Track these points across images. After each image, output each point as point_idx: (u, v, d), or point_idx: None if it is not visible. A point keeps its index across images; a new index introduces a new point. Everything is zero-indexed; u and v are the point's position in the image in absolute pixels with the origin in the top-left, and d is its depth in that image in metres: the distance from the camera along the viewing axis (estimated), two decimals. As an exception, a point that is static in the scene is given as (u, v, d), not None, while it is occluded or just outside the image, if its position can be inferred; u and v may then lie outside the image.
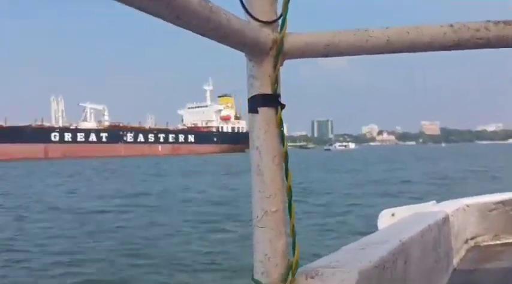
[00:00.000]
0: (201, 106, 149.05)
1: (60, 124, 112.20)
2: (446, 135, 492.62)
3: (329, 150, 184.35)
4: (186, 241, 14.44)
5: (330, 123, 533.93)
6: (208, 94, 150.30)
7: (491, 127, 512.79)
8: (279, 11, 1.43)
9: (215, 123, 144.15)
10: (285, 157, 1.44)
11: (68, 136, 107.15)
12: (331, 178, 37.63)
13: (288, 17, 1.42)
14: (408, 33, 1.40)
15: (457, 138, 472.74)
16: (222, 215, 19.11)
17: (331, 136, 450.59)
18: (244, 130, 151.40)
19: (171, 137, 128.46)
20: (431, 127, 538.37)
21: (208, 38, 1.18)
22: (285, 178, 1.44)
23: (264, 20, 1.37)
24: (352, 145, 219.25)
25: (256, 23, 1.36)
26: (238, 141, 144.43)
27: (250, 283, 1.42)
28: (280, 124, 1.42)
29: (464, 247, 4.26)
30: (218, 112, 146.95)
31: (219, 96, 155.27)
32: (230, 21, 1.18)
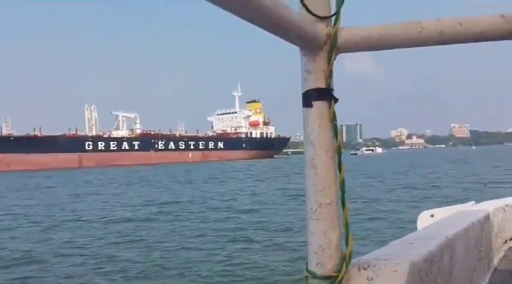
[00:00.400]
0: (230, 113, 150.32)
1: (94, 133, 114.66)
2: (476, 138, 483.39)
3: (355, 154, 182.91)
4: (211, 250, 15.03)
5: (358, 127, 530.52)
6: (237, 100, 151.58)
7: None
8: (333, 7, 1.45)
9: (244, 129, 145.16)
10: (338, 151, 1.46)
11: (101, 145, 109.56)
12: (358, 183, 37.93)
13: (341, 12, 1.45)
14: (461, 24, 1.41)
15: (487, 140, 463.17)
16: (248, 223, 19.78)
17: (360, 140, 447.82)
18: (273, 136, 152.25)
19: (201, 144, 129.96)
20: (461, 129, 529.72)
21: (265, 29, 1.18)
22: (338, 172, 1.46)
23: (319, 14, 1.40)
24: (379, 150, 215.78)
25: (312, 18, 1.38)
26: (267, 146, 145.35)
27: (304, 273, 1.47)
28: (333, 118, 1.44)
29: (504, 247, 4.23)
30: (247, 118, 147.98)
31: (248, 102, 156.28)
32: (288, 15, 1.19)
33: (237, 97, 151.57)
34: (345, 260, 1.44)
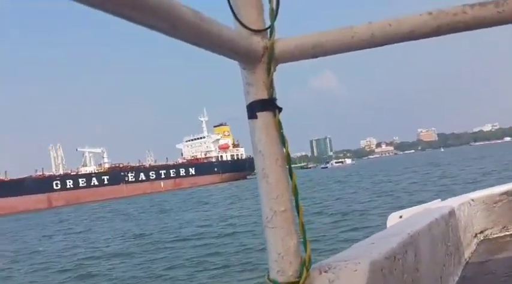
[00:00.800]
0: (198, 138, 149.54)
1: (61, 172, 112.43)
2: (444, 140, 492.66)
3: (326, 167, 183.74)
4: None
5: (328, 140, 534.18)
6: (204, 125, 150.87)
7: (487, 127, 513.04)
8: (266, 20, 1.48)
9: (214, 153, 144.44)
10: (288, 159, 1.48)
11: (69, 183, 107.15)
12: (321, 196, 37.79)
13: (275, 24, 1.48)
14: (390, 25, 1.43)
15: (454, 142, 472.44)
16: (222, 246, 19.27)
17: (330, 153, 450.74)
18: (244, 157, 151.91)
19: (172, 172, 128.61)
20: (428, 134, 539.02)
21: (202, 48, 1.21)
22: (289, 179, 1.47)
23: (254, 28, 1.43)
24: (348, 161, 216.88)
25: (247, 32, 1.40)
26: (239, 168, 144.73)
27: (266, 282, 1.45)
28: (279, 127, 1.46)
29: (474, 241, 4.26)
30: (216, 142, 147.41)
31: (215, 126, 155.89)
32: (222, 32, 1.23)
33: (204, 122, 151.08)
34: (305, 265, 1.45)
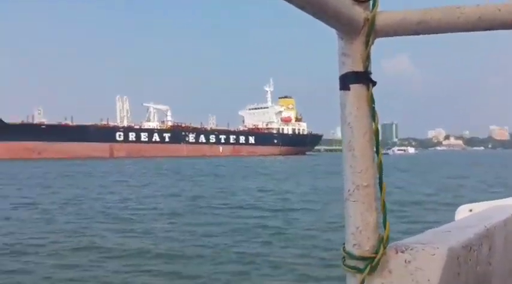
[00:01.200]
0: (261, 108, 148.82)
1: (125, 124, 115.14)
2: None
3: (387, 154, 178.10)
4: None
5: (394, 126, 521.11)
6: (269, 95, 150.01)
7: None
8: None
9: (276, 125, 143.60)
10: (376, 134, 1.49)
11: (132, 136, 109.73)
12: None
13: None
14: (499, 10, 1.40)
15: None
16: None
17: (395, 140, 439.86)
18: (305, 133, 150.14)
19: (231, 138, 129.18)
20: (501, 132, 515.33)
21: (306, 11, 1.23)
22: (375, 154, 1.48)
23: None
24: (411, 150, 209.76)
25: (349, 1, 1.40)
26: (299, 143, 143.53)
27: (342, 254, 1.47)
28: (371, 101, 1.46)
29: None
30: (279, 114, 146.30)
31: (280, 98, 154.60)
32: None
33: (269, 92, 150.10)
34: (382, 242, 1.46)
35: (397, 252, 1.51)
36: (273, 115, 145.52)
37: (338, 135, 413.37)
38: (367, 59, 1.46)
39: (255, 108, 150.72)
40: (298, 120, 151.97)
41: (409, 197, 24.58)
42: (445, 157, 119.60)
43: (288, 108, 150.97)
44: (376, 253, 1.45)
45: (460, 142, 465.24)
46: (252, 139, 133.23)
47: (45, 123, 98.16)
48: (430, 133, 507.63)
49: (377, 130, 1.49)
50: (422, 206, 21.64)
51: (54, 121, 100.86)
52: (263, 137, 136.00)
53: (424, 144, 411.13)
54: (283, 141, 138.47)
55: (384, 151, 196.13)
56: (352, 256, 1.46)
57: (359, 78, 1.45)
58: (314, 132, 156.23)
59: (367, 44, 1.45)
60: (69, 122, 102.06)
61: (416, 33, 1.48)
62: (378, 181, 1.48)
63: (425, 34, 1.49)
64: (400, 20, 1.47)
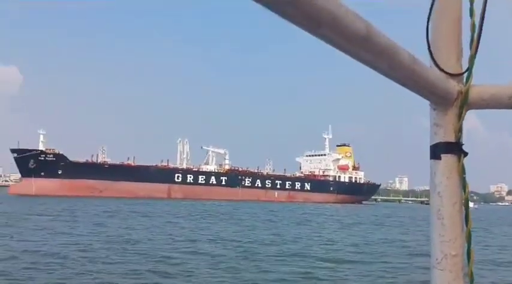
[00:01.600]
0: (319, 155, 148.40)
1: (184, 166, 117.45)
2: None
3: None
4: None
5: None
6: (327, 142, 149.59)
7: None
8: (464, 63, 1.51)
9: (332, 172, 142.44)
10: (466, 203, 1.49)
11: (190, 178, 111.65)
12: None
13: (473, 70, 1.50)
14: None
15: None
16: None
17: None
18: (362, 181, 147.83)
19: (287, 184, 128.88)
20: None
21: (402, 84, 1.27)
22: (464, 224, 1.48)
23: (451, 72, 1.46)
24: (471, 204, 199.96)
25: (444, 75, 1.43)
26: (355, 191, 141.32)
27: None
28: (462, 171, 1.46)
29: None
30: (336, 161, 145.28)
31: (338, 145, 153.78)
32: (425, 72, 1.28)
33: (327, 139, 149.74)
34: None
35: None
36: (330, 162, 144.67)
37: (396, 185, 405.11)
38: (459, 130, 1.46)
39: (313, 155, 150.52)
40: (355, 168, 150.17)
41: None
42: (505, 213, 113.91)
43: (346, 156, 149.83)
44: None
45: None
46: (307, 186, 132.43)
47: (108, 162, 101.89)
48: (492, 188, 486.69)
49: (467, 200, 1.48)
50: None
51: (117, 161, 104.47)
52: (319, 184, 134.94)
53: (486, 199, 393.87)
54: (340, 189, 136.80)
55: None
56: None
57: (451, 148, 1.45)
58: (371, 181, 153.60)
59: (460, 116, 1.46)
60: (131, 162, 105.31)
61: (509, 107, 1.48)
62: (466, 250, 1.46)
63: None
64: (493, 94, 1.47)
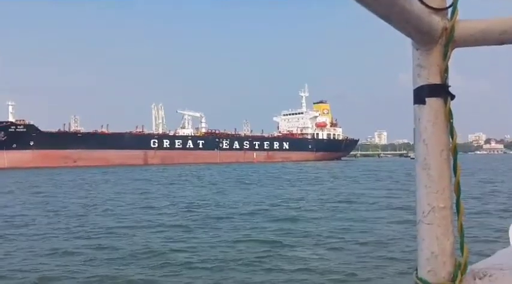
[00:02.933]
0: (296, 113, 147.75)
1: (160, 131, 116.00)
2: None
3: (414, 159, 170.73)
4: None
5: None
6: (304, 100, 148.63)
7: None
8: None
9: (310, 130, 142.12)
10: (454, 151, 1.41)
11: (166, 143, 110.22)
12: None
13: (458, 5, 1.38)
14: None
15: None
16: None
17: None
18: (341, 137, 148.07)
19: (265, 144, 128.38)
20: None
21: (384, 19, 1.20)
22: (453, 173, 1.40)
23: (435, 6, 1.34)
24: None
25: (427, 10, 1.32)
26: (334, 148, 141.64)
27: (414, 280, 1.40)
28: (449, 116, 1.39)
29: None
30: (314, 119, 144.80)
31: (315, 103, 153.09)
32: (410, 5, 1.20)
33: (304, 97, 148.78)
34: (459, 268, 1.38)
35: (475, 279, 1.42)
36: (307, 120, 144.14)
37: (375, 140, 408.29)
38: (445, 70, 1.38)
39: (290, 114, 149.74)
40: (333, 125, 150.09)
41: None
42: (484, 162, 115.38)
43: (323, 113, 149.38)
44: (454, 280, 1.37)
45: (500, 146, 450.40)
46: (286, 145, 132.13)
47: (81, 131, 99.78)
48: (470, 137, 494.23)
49: (455, 148, 1.41)
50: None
51: (90, 130, 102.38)
52: (297, 143, 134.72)
53: (464, 148, 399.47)
54: (318, 147, 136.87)
55: (413, 156, 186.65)
56: (426, 283, 1.38)
57: (436, 91, 1.37)
58: (350, 137, 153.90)
59: (445, 55, 1.38)
60: (105, 130, 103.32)
61: (500, 42, 1.39)
62: (455, 202, 1.41)
63: (510, 43, 1.40)
64: (481, 29, 1.38)
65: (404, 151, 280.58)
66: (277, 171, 69.49)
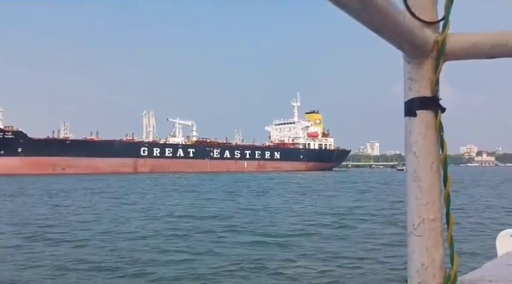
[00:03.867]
0: (288, 123, 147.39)
1: (151, 139, 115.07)
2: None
3: (402, 170, 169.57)
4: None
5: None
6: (295, 110, 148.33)
7: None
8: (440, 12, 1.40)
9: (302, 140, 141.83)
10: (444, 164, 1.41)
11: (156, 151, 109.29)
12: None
13: (450, 18, 1.39)
14: None
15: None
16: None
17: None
18: (332, 147, 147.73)
19: (257, 154, 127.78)
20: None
21: (375, 32, 1.20)
22: (443, 185, 1.41)
23: (427, 20, 1.35)
24: None
25: (418, 23, 1.33)
26: (325, 158, 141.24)
27: None
28: (439, 128, 1.39)
29: None
30: (305, 129, 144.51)
31: (307, 113, 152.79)
32: (402, 18, 1.21)
33: (296, 107, 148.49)
34: (449, 280, 1.39)
35: None
36: (299, 130, 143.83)
37: (368, 151, 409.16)
38: (436, 83, 1.38)
39: (282, 124, 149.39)
40: (325, 135, 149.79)
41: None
42: (476, 173, 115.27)
43: (315, 123, 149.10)
44: None
45: (492, 158, 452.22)
46: (277, 155, 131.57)
47: (69, 138, 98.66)
48: (462, 149, 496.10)
49: (445, 160, 1.40)
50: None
51: (80, 137, 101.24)
52: (289, 152, 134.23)
53: (456, 160, 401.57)
54: (310, 157, 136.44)
55: (399, 167, 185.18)
56: None
57: (427, 104, 1.37)
58: (342, 147, 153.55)
59: (437, 68, 1.38)
60: (94, 137, 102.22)
61: (490, 56, 1.40)
62: (445, 214, 1.41)
63: (501, 57, 1.40)
64: (473, 43, 1.38)
65: (396, 163, 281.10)
66: (268, 181, 68.85)
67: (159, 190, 46.33)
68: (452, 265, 1.38)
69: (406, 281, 1.39)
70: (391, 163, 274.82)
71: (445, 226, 1.39)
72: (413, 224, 1.37)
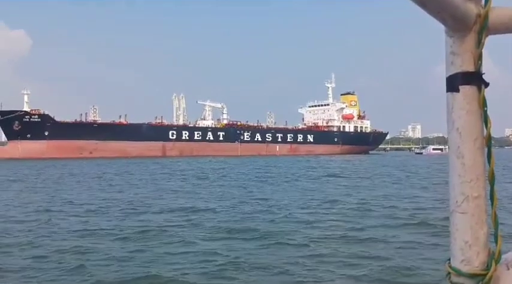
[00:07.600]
0: (322, 105, 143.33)
1: (181, 122, 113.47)
2: None
3: (420, 154, 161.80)
4: None
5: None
6: (330, 91, 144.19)
7: None
8: None
9: (336, 122, 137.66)
10: (488, 140, 1.40)
11: (185, 135, 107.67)
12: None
13: None
14: None
15: None
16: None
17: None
18: (368, 130, 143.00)
19: (289, 137, 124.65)
20: None
21: (419, 5, 1.20)
22: (487, 162, 1.39)
23: None
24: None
25: None
26: (361, 141, 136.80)
27: (447, 270, 1.39)
28: (483, 104, 1.37)
29: None
30: (340, 111, 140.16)
31: (342, 94, 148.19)
32: None
33: (330, 88, 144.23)
34: (493, 258, 1.37)
35: (508, 268, 1.40)
36: (334, 112, 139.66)
37: (409, 133, 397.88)
38: (478, 58, 1.36)
39: (315, 106, 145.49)
40: (361, 117, 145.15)
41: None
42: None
43: (351, 104, 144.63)
44: (487, 269, 1.35)
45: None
46: (310, 138, 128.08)
47: (97, 121, 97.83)
48: (507, 132, 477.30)
49: (489, 136, 1.39)
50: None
51: (108, 120, 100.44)
52: (323, 135, 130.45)
53: (500, 142, 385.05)
54: (344, 140, 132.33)
55: (418, 151, 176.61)
56: (459, 273, 1.36)
57: (470, 78, 1.35)
58: (378, 130, 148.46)
59: (479, 42, 1.35)
60: (123, 120, 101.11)
61: None
62: (489, 191, 1.38)
63: None
64: None
65: (437, 145, 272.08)
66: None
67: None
68: (496, 243, 1.36)
69: (450, 259, 1.38)
70: (433, 146, 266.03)
71: (489, 204, 1.36)
72: (456, 202, 1.35)
